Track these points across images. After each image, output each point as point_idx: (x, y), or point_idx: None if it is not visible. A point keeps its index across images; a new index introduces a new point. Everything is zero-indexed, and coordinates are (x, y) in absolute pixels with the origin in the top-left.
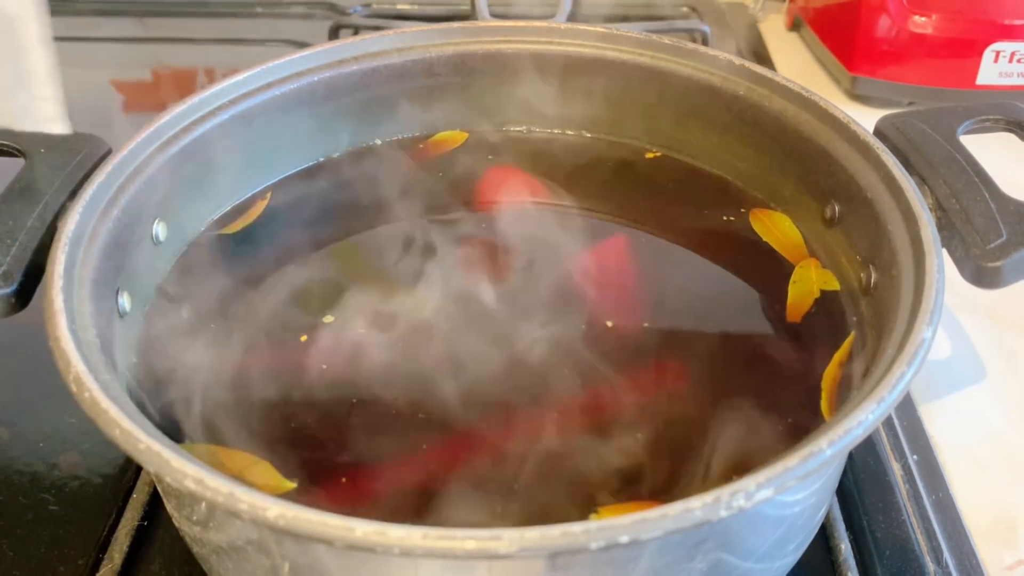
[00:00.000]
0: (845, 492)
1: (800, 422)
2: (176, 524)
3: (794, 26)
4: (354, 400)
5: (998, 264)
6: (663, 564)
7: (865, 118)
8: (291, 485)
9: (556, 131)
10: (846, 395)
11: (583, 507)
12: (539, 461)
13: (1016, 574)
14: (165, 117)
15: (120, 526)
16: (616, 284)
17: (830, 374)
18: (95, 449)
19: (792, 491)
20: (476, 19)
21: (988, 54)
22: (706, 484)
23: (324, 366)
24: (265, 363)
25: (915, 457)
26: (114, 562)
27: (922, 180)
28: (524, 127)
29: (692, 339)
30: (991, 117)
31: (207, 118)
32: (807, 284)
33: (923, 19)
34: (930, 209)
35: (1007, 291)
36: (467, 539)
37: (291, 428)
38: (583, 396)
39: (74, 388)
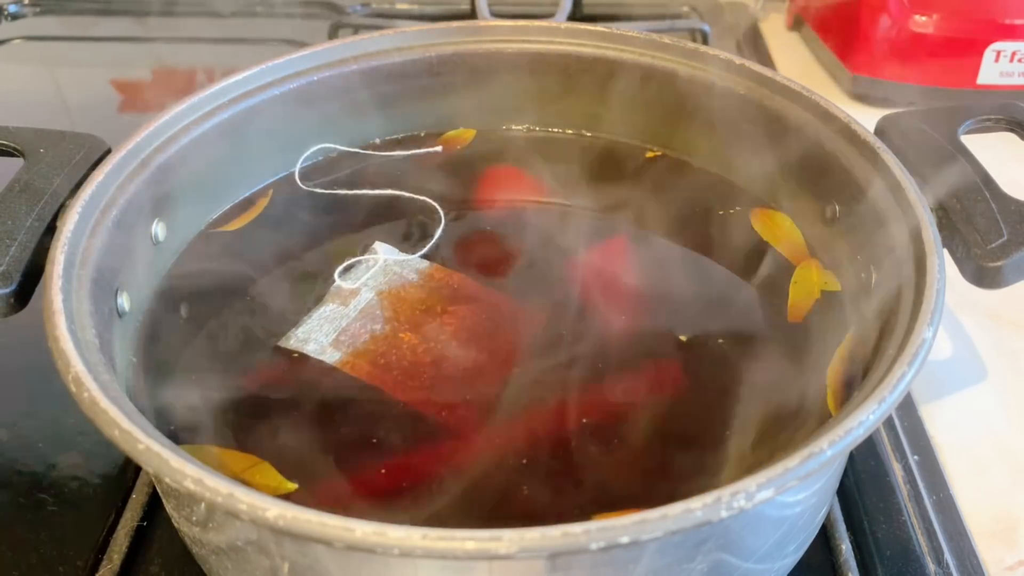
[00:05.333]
0: (846, 492)
1: (802, 422)
2: (175, 525)
3: (794, 25)
4: (356, 399)
5: (999, 264)
6: (663, 565)
7: (866, 118)
8: (292, 486)
9: (556, 130)
10: (851, 390)
11: (579, 512)
12: (538, 463)
13: (1017, 575)
14: (164, 116)
15: (119, 527)
16: (616, 284)
17: (834, 369)
18: (94, 449)
19: (793, 491)
20: (476, 18)
21: (989, 54)
22: (709, 484)
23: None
24: (266, 363)
25: (916, 457)
26: (113, 563)
27: (923, 180)
28: (524, 126)
29: (692, 339)
30: (992, 117)
31: (206, 117)
32: (808, 285)
33: (924, 18)
34: (931, 209)
35: (1008, 291)
36: (467, 540)
37: (292, 428)
38: (582, 397)
39: (73, 388)
